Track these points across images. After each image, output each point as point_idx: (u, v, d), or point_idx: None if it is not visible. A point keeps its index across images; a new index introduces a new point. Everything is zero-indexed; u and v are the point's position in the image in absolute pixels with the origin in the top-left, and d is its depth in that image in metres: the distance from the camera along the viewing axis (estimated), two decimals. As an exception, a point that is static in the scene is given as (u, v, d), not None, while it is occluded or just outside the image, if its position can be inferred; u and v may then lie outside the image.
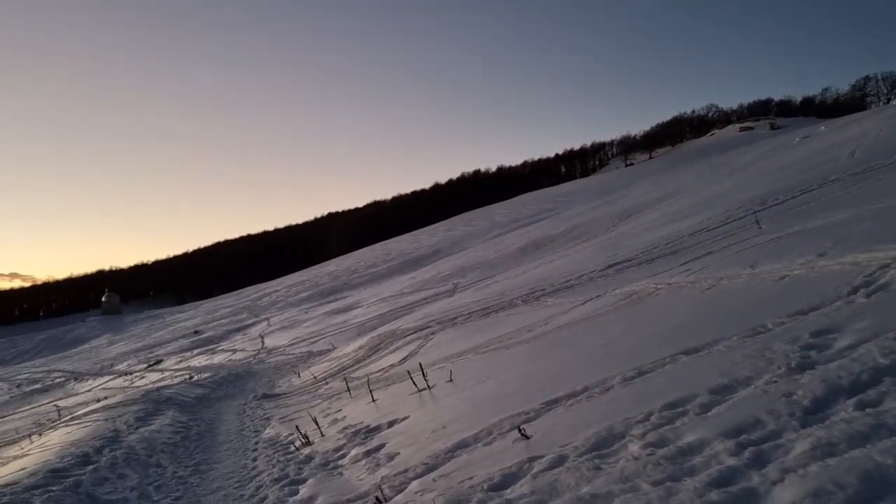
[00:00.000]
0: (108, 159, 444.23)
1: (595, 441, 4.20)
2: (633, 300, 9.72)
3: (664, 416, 4.18)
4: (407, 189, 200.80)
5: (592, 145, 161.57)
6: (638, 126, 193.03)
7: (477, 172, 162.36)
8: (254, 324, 47.28)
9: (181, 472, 8.13)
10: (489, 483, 4.23)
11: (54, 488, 6.61)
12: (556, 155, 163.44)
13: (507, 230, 59.39)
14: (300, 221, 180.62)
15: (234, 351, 33.83)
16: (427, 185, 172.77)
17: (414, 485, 4.90)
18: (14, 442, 14.25)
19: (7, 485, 6.68)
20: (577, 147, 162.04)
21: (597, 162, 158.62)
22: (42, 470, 7.37)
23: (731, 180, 31.13)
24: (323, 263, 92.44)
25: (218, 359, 32.29)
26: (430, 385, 8.75)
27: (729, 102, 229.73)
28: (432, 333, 15.31)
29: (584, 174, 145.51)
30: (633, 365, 5.58)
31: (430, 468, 5.13)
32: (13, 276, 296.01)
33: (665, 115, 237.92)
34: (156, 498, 6.88)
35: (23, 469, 7.68)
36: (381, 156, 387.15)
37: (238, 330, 46.17)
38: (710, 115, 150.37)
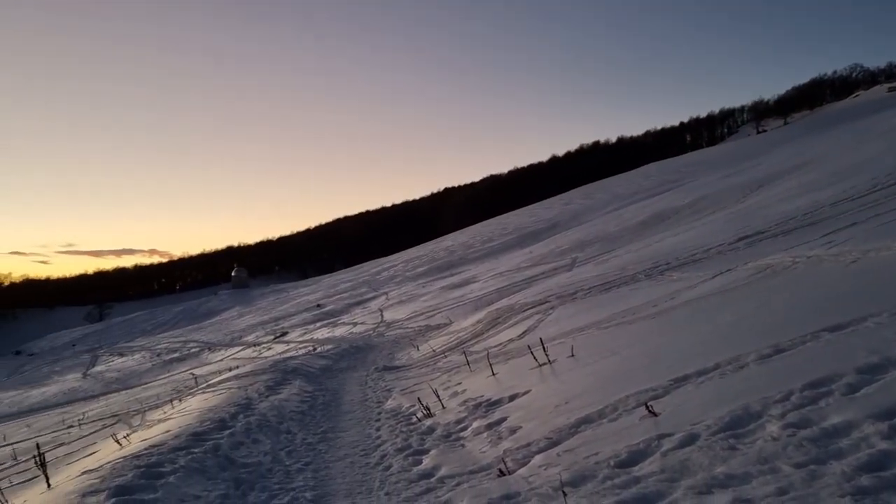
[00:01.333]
0: (238, 147, 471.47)
1: (729, 420, 4.04)
2: (767, 274, 9.20)
3: (806, 396, 3.96)
4: (523, 162, 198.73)
5: (720, 112, 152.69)
6: (771, 90, 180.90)
7: (596, 144, 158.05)
8: (373, 298, 48.66)
9: (310, 438, 8.51)
10: (616, 459, 4.17)
11: (196, 450, 7.13)
12: (681, 123, 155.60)
13: (627, 203, 57.45)
14: (417, 197, 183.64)
15: (355, 324, 35.07)
16: (544, 157, 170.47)
17: (537, 459, 4.90)
18: (157, 407, 15.43)
19: (154, 445, 7.28)
20: (703, 115, 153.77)
21: (725, 130, 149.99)
22: (184, 433, 7.96)
23: (878, 145, 28.52)
24: (439, 238, 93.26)
25: (339, 331, 33.58)
26: (551, 360, 8.65)
27: (876, 61, 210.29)
28: (551, 308, 15.14)
29: (712, 143, 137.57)
30: (769, 342, 5.28)
31: (553, 443, 5.11)
32: (152, 252, 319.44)
33: (802, 78, 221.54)
34: (287, 462, 7.24)
35: (167, 432, 8.31)
36: (498, 129, 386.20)
37: (358, 304, 47.70)
38: (853, 75, 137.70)
